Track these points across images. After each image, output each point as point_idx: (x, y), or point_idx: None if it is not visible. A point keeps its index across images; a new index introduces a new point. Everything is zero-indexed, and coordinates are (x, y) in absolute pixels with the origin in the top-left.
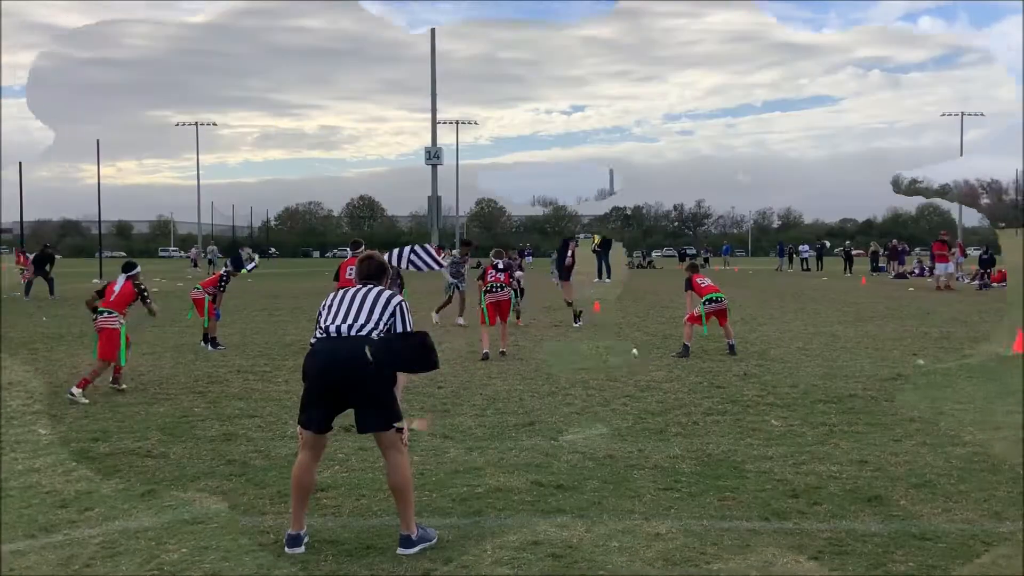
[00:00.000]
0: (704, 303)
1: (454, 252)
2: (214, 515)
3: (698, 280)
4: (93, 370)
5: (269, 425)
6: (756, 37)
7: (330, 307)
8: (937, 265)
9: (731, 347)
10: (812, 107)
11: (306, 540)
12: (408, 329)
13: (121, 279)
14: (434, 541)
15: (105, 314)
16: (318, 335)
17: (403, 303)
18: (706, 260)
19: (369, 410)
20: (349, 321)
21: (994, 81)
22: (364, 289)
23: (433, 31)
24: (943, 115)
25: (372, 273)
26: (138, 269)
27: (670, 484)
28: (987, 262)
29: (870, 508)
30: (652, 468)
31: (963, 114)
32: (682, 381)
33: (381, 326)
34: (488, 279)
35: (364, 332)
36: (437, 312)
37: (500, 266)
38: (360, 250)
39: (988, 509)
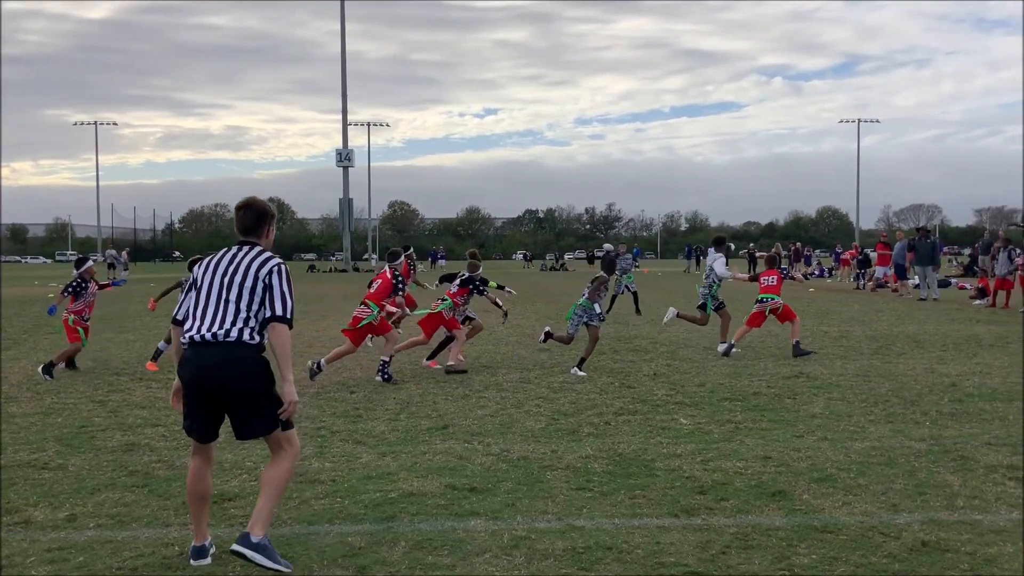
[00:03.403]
0: (756, 301)
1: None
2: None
3: (763, 278)
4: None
5: (173, 434)
6: (664, 44)
7: (197, 296)
8: (877, 268)
9: (795, 345)
10: (717, 113)
11: (212, 551)
12: (284, 299)
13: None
14: (279, 569)
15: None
16: (183, 340)
17: (279, 266)
18: None
19: (249, 416)
20: (215, 328)
21: (889, 89)
22: (236, 260)
23: (343, 30)
24: (841, 121)
25: (250, 225)
26: (401, 259)
27: (582, 484)
28: (863, 263)
29: (774, 503)
30: (565, 468)
31: (860, 120)
32: (594, 382)
33: (252, 319)
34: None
35: (232, 337)
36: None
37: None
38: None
39: (886, 502)
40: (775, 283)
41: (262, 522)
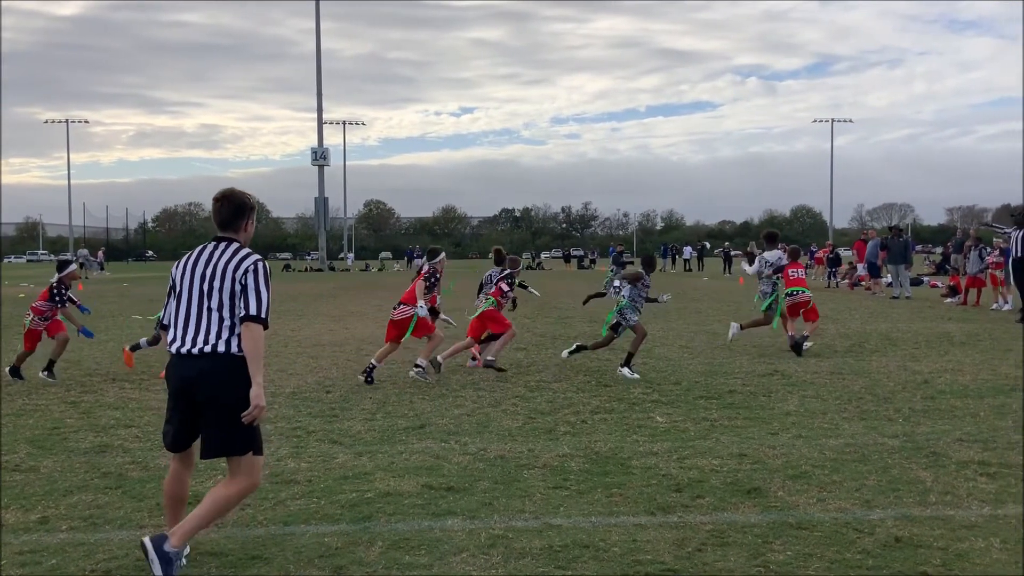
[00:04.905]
0: (784, 296)
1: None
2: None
3: (790, 272)
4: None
5: (147, 435)
6: (640, 43)
7: (177, 302)
8: (858, 266)
9: (796, 344)
10: (692, 112)
11: (186, 553)
12: (259, 298)
13: (424, 266)
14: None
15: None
16: (170, 349)
17: (255, 265)
18: (592, 262)
19: (228, 430)
20: (199, 341)
21: (862, 89)
22: (213, 261)
23: (318, 28)
24: (815, 121)
25: (228, 218)
26: (440, 256)
27: (559, 483)
28: (834, 262)
29: (750, 500)
30: (542, 467)
31: (833, 120)
32: (571, 380)
33: (237, 326)
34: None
35: (221, 349)
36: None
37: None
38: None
39: (859, 498)
40: (802, 275)
41: (182, 534)
